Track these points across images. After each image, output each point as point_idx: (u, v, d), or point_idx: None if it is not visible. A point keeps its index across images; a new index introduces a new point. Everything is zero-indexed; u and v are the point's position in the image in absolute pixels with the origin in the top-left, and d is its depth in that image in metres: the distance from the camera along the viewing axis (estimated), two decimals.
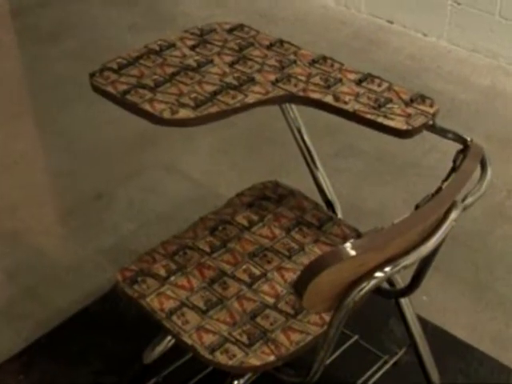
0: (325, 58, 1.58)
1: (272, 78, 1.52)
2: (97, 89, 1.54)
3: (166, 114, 1.41)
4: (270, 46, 1.63)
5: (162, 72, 1.55)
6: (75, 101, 3.00)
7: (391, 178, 2.59)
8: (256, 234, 1.60)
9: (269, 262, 1.54)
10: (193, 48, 1.64)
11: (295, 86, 1.50)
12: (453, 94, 3.02)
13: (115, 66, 1.59)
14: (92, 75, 1.56)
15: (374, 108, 1.42)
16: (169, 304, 1.45)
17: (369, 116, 1.41)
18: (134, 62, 1.60)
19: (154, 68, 1.57)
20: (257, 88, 1.49)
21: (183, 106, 1.43)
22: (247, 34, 1.68)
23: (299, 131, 1.66)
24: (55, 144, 2.84)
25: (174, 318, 1.42)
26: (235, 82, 1.51)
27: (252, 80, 1.51)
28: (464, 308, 2.16)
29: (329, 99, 1.46)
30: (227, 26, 1.71)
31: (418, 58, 3.27)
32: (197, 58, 1.60)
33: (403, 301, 1.67)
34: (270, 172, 2.57)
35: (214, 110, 1.42)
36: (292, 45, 1.63)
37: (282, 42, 1.64)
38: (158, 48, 1.65)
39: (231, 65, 1.57)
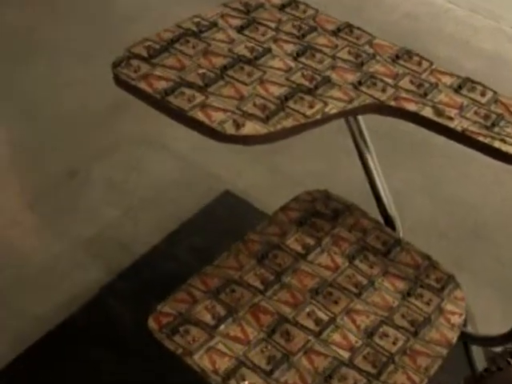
0: (409, 53, 1.27)
1: (351, 78, 1.21)
2: (124, 85, 1.18)
3: (229, 128, 1.09)
4: (336, 32, 1.31)
5: (208, 64, 1.22)
6: (36, 56, 2.57)
7: (403, 159, 2.34)
8: (314, 263, 1.32)
9: (336, 303, 1.27)
10: (241, 30, 1.29)
11: (383, 91, 1.20)
12: (455, 61, 2.77)
13: (145, 53, 1.23)
14: (116, 65, 1.20)
15: (486, 127, 1.15)
16: (223, 363, 1.16)
17: (481, 139, 1.13)
18: (168, 46, 1.24)
19: (196, 57, 1.23)
20: (336, 93, 1.18)
21: (249, 116, 1.11)
22: (304, 13, 1.35)
23: (364, 142, 1.37)
24: (11, 112, 2.40)
25: (233, 382, 1.14)
26: (307, 84, 1.19)
27: (328, 81, 1.20)
28: (495, 314, 1.97)
29: (428, 113, 1.17)
30: (277, 1, 1.37)
31: (414, 17, 2.98)
32: (249, 44, 1.26)
33: None
34: (269, 150, 2.26)
35: (288, 123, 1.11)
36: (364, 31, 1.32)
37: (350, 26, 1.32)
38: (195, 28, 1.30)
39: (296, 57, 1.24)
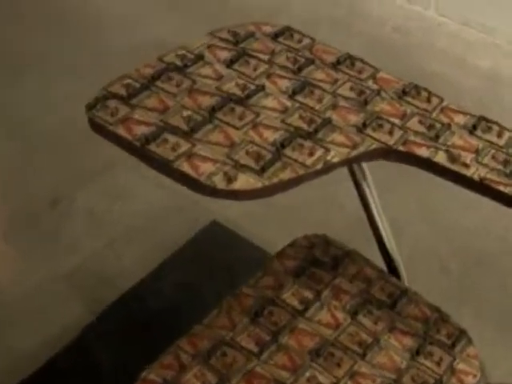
0: (417, 89, 1.15)
1: (354, 119, 1.09)
2: (100, 130, 1.05)
3: (220, 182, 0.97)
4: (335, 65, 1.19)
5: (194, 104, 1.09)
6: (25, 71, 2.43)
7: (399, 184, 2.22)
8: (313, 320, 1.20)
9: (338, 365, 1.14)
10: (230, 64, 1.17)
11: (390, 134, 1.07)
12: (451, 78, 2.65)
13: (123, 92, 1.10)
14: (91, 107, 1.07)
15: (505, 175, 1.03)
16: None
17: (502, 188, 1.01)
18: (148, 84, 1.12)
19: (180, 96, 1.10)
20: (338, 137, 1.06)
21: (241, 167, 0.99)
22: (299, 43, 1.23)
23: (368, 187, 1.25)
24: None
25: None
26: (306, 127, 1.06)
27: (329, 123, 1.07)
28: (503, 351, 1.85)
29: (442, 159, 1.04)
30: (269, 30, 1.24)
31: (405, 31, 2.86)
32: (240, 81, 1.13)
33: None
34: None
35: (286, 175, 0.98)
36: (366, 63, 1.19)
37: (351, 58, 1.20)
38: (179, 62, 1.17)
39: (292, 95, 1.12)
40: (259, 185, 0.96)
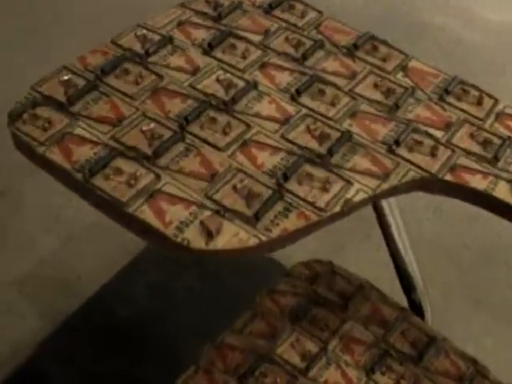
0: (464, 86, 0.85)
1: (382, 132, 0.78)
2: (27, 151, 0.74)
3: (196, 239, 0.67)
4: (352, 50, 0.88)
5: (160, 112, 0.78)
6: None
7: None
8: (319, 381, 0.92)
9: None
10: (209, 49, 0.86)
11: (432, 155, 0.77)
12: (458, 34, 2.34)
13: (61, 94, 0.78)
14: (14, 118, 0.75)
15: None
16: None
17: None
18: (96, 82, 0.81)
19: (141, 100, 0.79)
20: (361, 161, 0.75)
21: (227, 212, 0.69)
22: (302, 18, 0.91)
23: (394, 218, 0.95)
24: None
25: None
26: (316, 146, 0.76)
27: (348, 139, 0.77)
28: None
29: (503, 192, 0.75)
30: None
31: None
32: (223, 76, 0.83)
33: None
34: None
35: (291, 223, 0.69)
36: (392, 47, 0.89)
37: (373, 40, 0.90)
38: (139, 48, 0.85)
39: (295, 96, 0.81)
40: (253, 242, 0.67)
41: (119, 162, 0.72)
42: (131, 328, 1.50)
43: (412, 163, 0.76)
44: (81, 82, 0.80)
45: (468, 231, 1.69)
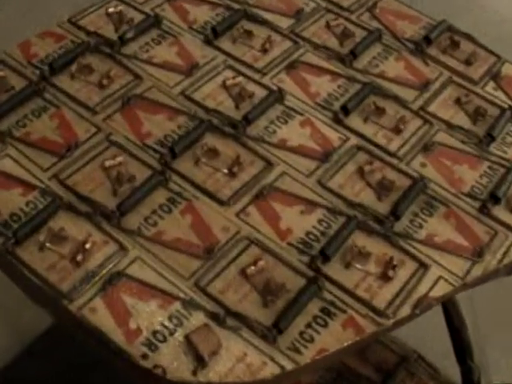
0: None
1: (473, 177, 0.53)
2: None
3: (176, 368, 0.41)
4: (422, 47, 0.61)
5: (134, 135, 0.51)
6: None
7: None
8: None
9: None
10: (213, 37, 0.59)
11: None
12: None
13: None
14: None
15: None
16: None
17: None
18: (42, 80, 0.54)
19: (105, 112, 0.53)
20: (442, 227, 0.50)
21: (230, 317, 0.43)
22: None
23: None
24: None
25: None
26: (372, 202, 0.50)
27: (421, 189, 0.51)
28: None
29: None
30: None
31: None
32: (231, 80, 0.56)
33: None
34: None
35: (332, 339, 0.43)
36: (476, 43, 0.62)
37: (451, 33, 0.62)
38: (112, 32, 0.58)
39: (338, 117, 0.55)
40: (270, 371, 0.41)
41: (63, 221, 0.46)
42: None
43: None
44: (19, 84, 0.53)
45: None
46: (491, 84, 0.60)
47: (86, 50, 0.56)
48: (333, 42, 0.60)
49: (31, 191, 0.48)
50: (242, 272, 0.45)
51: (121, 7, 0.60)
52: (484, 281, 0.49)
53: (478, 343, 0.85)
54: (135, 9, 0.60)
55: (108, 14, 0.59)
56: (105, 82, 0.54)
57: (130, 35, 0.57)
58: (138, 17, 0.60)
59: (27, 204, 0.47)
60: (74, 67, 0.55)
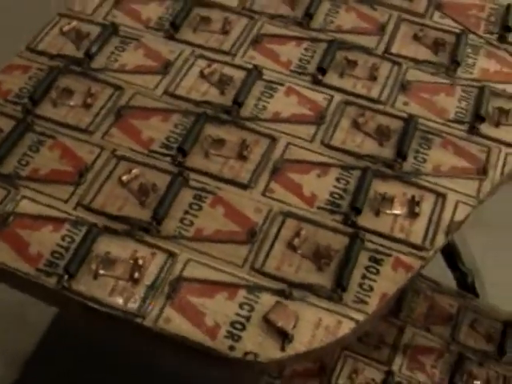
0: None
1: (452, 104, 0.56)
2: None
3: (265, 348, 0.43)
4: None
5: (137, 143, 0.51)
6: None
7: None
8: None
9: None
10: (173, 30, 0.59)
11: None
12: None
13: None
14: None
15: None
16: None
17: None
18: (28, 115, 0.54)
19: (101, 130, 0.52)
20: (442, 156, 0.53)
21: (296, 289, 0.45)
22: None
23: None
24: None
25: None
26: (376, 150, 0.52)
27: (414, 128, 0.54)
28: None
29: None
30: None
31: None
32: (207, 68, 0.57)
33: None
34: None
35: (389, 282, 0.46)
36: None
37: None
38: (74, 50, 0.58)
39: (316, 79, 0.57)
40: (347, 326, 0.44)
41: (105, 245, 0.47)
42: None
43: (504, 143, 0.55)
44: (5, 124, 0.53)
45: None
46: (436, 13, 0.64)
47: (58, 74, 0.56)
48: (285, 9, 0.63)
49: (61, 225, 0.48)
50: (289, 245, 0.48)
51: (74, 23, 0.60)
52: (493, 193, 0.54)
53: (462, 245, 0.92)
54: (88, 22, 0.60)
55: (63, 33, 0.59)
56: (89, 100, 0.54)
57: (94, 49, 0.57)
58: (93, 29, 0.59)
59: (63, 238, 0.47)
60: (53, 94, 0.54)
